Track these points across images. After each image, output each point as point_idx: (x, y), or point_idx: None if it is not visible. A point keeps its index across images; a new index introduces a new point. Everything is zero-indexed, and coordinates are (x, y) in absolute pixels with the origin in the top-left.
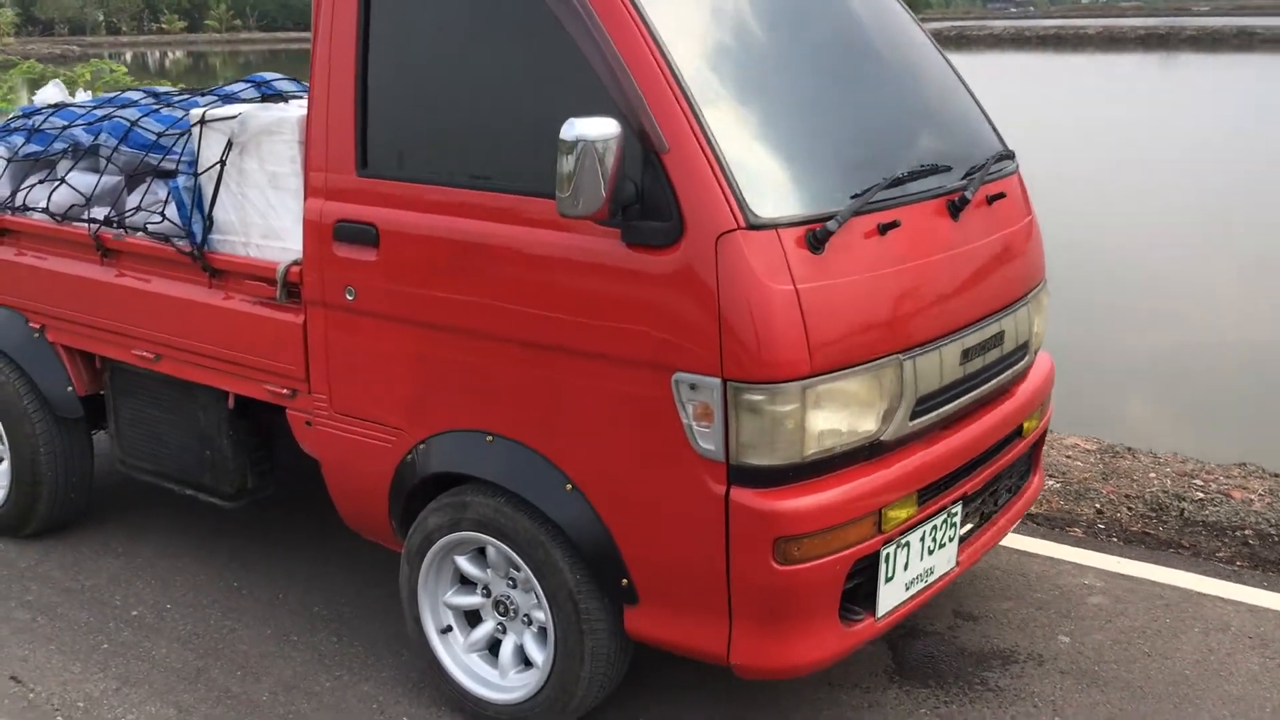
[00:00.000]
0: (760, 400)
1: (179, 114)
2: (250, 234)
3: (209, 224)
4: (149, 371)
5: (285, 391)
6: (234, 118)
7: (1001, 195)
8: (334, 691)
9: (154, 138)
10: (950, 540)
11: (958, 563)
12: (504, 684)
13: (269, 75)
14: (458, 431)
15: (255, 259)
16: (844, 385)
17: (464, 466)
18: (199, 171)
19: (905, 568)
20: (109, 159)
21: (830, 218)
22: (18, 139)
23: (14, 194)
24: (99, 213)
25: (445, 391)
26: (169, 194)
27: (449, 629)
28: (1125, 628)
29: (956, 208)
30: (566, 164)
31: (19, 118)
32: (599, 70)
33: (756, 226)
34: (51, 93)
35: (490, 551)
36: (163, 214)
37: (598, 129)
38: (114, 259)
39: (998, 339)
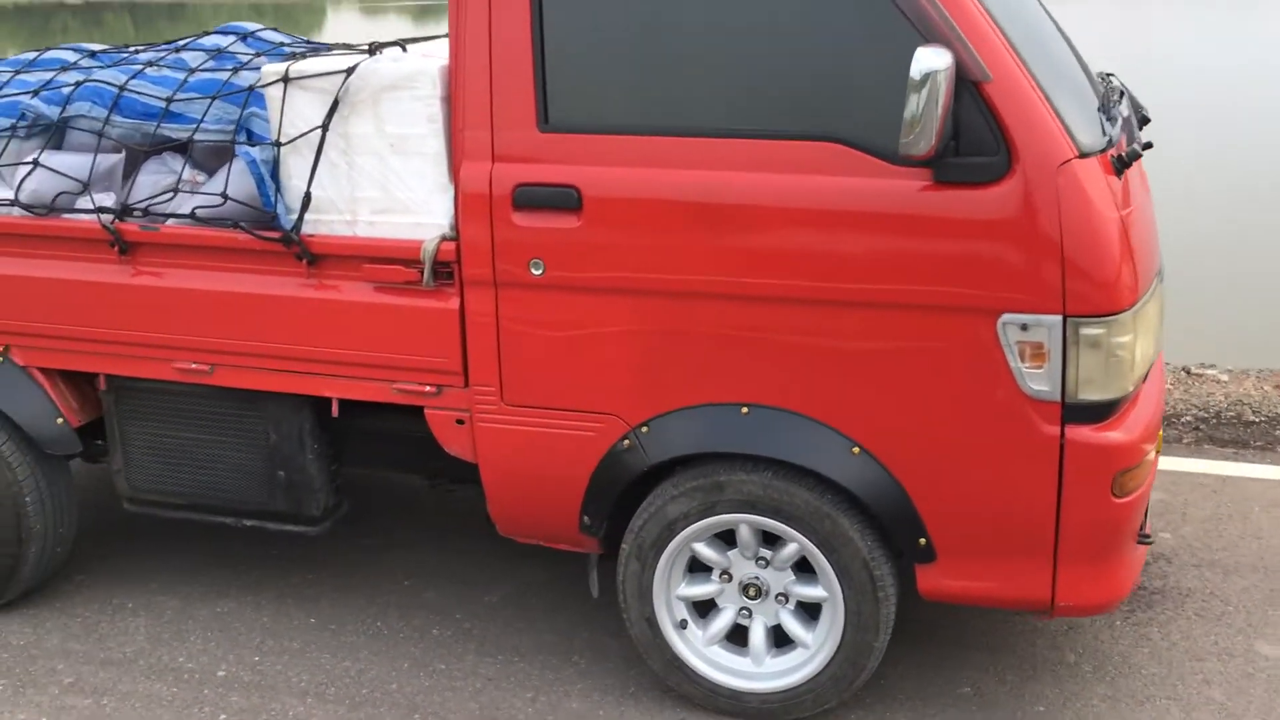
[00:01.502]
0: (1101, 333)
1: (176, 74)
2: (358, 210)
3: (306, 202)
4: (186, 386)
5: (429, 389)
6: (338, 73)
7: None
8: (541, 715)
9: (161, 104)
10: None
11: None
12: (761, 671)
13: (248, 25)
14: (700, 407)
15: (376, 239)
16: (1150, 309)
17: (718, 444)
18: (281, 141)
19: None
20: (101, 133)
21: (1110, 143)
22: None
23: None
24: (93, 200)
25: (679, 365)
26: (228, 170)
27: (684, 623)
28: (1204, 517)
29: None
30: (915, 103)
31: None
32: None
33: (1086, 154)
34: None
35: (742, 532)
36: (224, 194)
37: (941, 61)
38: (134, 255)
39: None
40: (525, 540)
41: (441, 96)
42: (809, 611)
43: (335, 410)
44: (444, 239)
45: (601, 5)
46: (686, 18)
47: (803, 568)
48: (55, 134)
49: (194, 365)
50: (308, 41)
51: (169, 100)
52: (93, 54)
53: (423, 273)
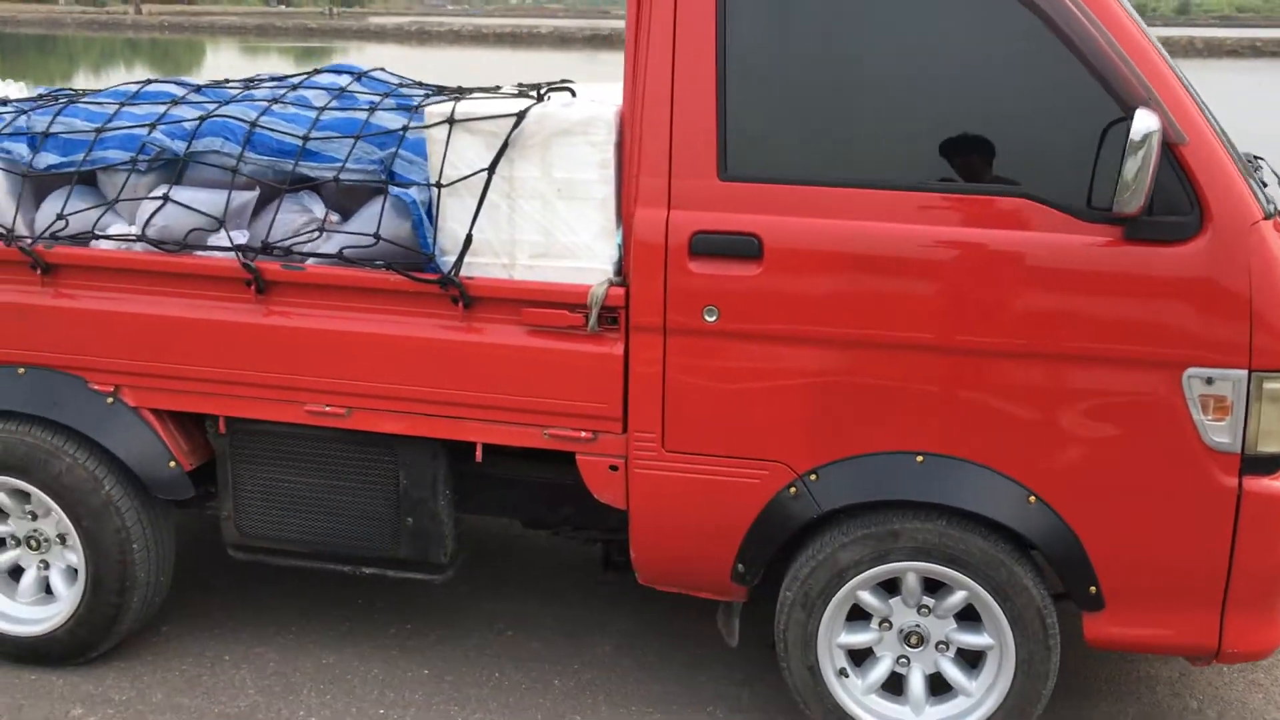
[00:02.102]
0: None
1: (301, 112)
2: (516, 254)
3: (466, 245)
4: (313, 430)
5: (584, 435)
6: (508, 116)
7: None
8: None
9: (296, 142)
10: None
11: None
12: (916, 718)
13: (351, 65)
14: (873, 455)
15: (538, 282)
16: None
17: (893, 492)
18: (442, 182)
19: None
20: (235, 170)
21: (1276, 206)
22: (18, 145)
23: (61, 218)
24: (230, 238)
25: (853, 414)
26: (381, 210)
27: (843, 671)
28: None
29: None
30: (1134, 163)
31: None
32: (1097, 61)
33: (1269, 216)
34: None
35: (909, 580)
36: (377, 235)
37: (1156, 123)
38: (271, 294)
39: None
40: (664, 588)
41: (615, 142)
42: (965, 659)
43: (479, 455)
44: (611, 284)
45: (788, 57)
46: (874, 73)
47: (962, 615)
48: (176, 169)
49: (328, 408)
50: (419, 83)
51: (305, 138)
52: (198, 88)
53: (588, 317)
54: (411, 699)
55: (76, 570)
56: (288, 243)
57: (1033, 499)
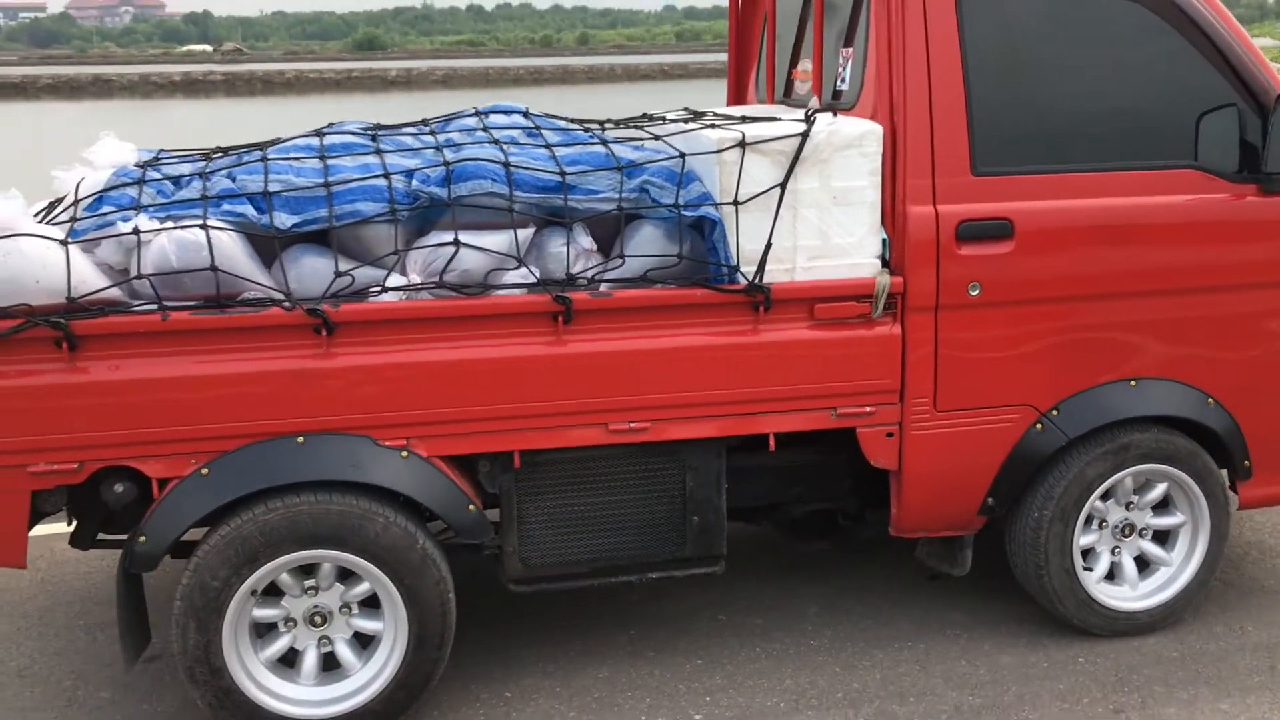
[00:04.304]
0: None
1: (532, 148)
2: (796, 258)
3: (765, 254)
4: (602, 450)
5: (869, 409)
6: (794, 137)
7: None
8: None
9: (556, 178)
10: None
11: None
12: (1138, 593)
13: (514, 105)
14: (1100, 386)
15: (827, 280)
16: None
17: (1120, 413)
18: (740, 200)
19: None
20: (511, 209)
21: None
22: (242, 207)
23: (343, 274)
24: (533, 274)
25: (1083, 354)
26: (679, 232)
27: (1086, 568)
28: None
29: None
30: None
31: (177, 176)
32: (1240, 69)
33: None
34: (119, 151)
35: (1126, 483)
36: (680, 254)
37: None
38: (575, 324)
39: None
40: (913, 534)
41: (882, 152)
42: (1156, 539)
43: (772, 445)
44: (890, 274)
45: (1017, 77)
46: (1088, 83)
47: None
48: (427, 217)
49: (632, 425)
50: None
51: (563, 174)
52: (373, 135)
53: (874, 305)
54: (714, 683)
55: (369, 638)
56: (591, 272)
57: (1210, 401)
